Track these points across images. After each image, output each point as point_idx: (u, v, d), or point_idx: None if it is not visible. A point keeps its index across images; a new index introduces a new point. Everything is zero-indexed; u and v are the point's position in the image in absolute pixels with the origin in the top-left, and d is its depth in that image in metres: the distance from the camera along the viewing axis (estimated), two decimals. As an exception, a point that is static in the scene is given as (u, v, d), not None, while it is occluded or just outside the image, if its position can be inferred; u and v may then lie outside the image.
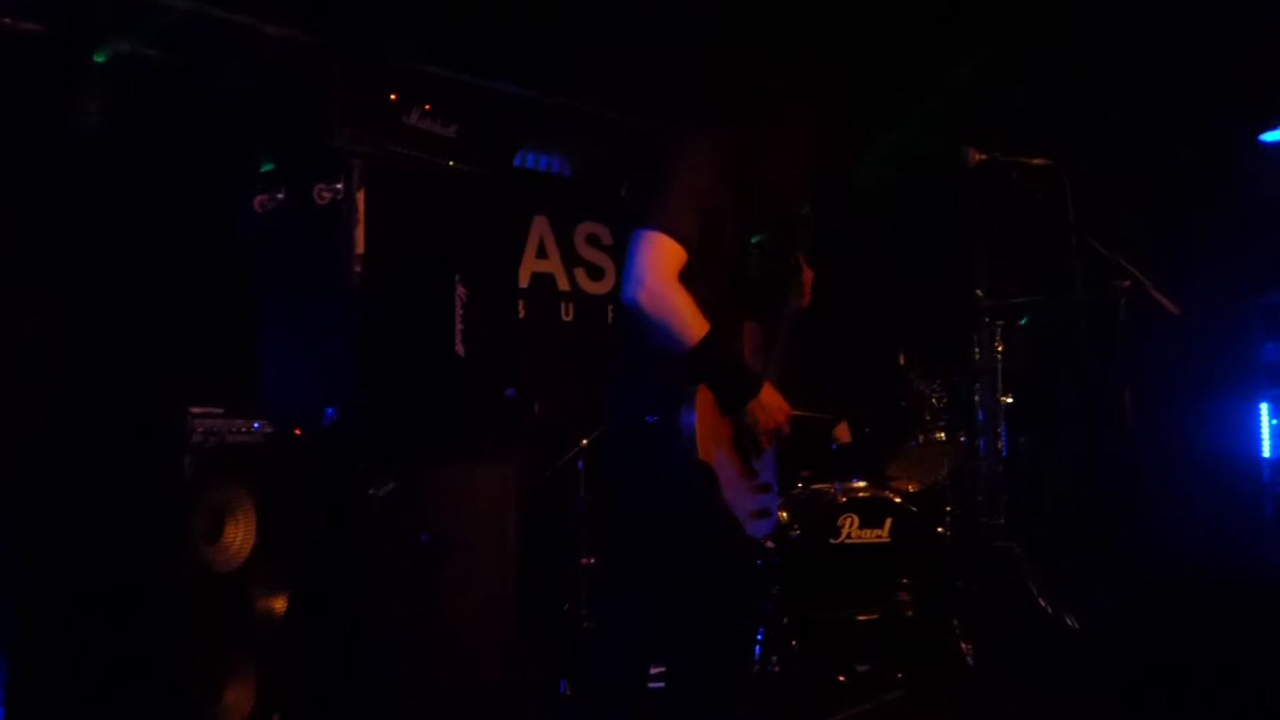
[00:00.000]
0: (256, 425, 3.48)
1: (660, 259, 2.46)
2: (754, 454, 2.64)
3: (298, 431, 3.63)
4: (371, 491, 3.72)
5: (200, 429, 3.30)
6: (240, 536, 3.39)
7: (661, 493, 2.57)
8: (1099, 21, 5.16)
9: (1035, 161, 3.44)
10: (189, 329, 4.06)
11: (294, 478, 3.59)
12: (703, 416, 2.46)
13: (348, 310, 3.85)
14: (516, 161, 5.75)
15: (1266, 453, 5.89)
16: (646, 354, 2.56)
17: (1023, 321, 5.09)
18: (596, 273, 6.23)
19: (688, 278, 2.51)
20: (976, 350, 5.11)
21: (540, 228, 6.00)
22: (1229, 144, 6.05)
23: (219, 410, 3.37)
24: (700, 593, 2.61)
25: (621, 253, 2.54)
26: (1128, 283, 3.36)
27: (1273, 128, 5.97)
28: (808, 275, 2.96)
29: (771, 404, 2.60)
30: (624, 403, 2.68)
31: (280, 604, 3.47)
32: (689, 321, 2.46)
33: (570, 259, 6.11)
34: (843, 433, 4.96)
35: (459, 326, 4.22)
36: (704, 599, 2.62)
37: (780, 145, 2.73)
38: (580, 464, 5.16)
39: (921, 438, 4.90)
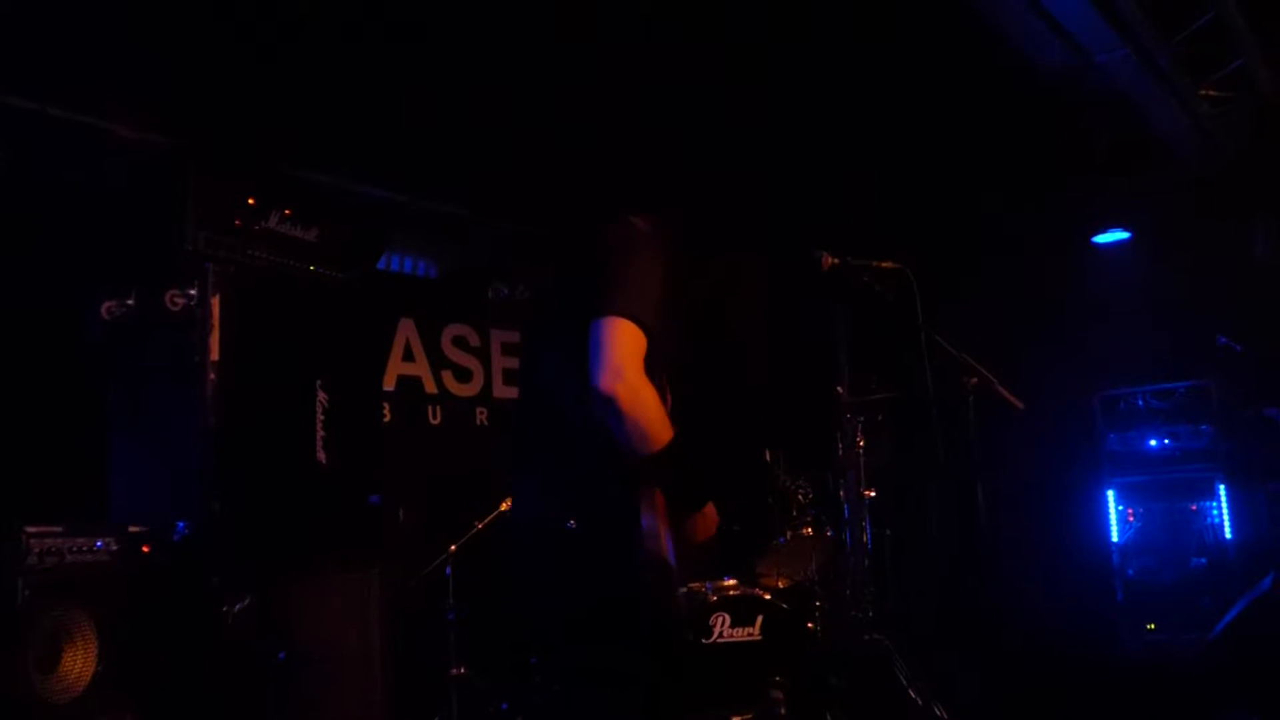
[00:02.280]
0: (100, 543, 3.31)
1: (634, 348, 2.30)
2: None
3: (146, 548, 3.46)
4: (225, 609, 3.56)
5: (37, 549, 3.12)
6: (80, 664, 3.19)
7: (607, 602, 2.44)
8: (943, 134, 5.46)
9: (885, 265, 3.57)
10: (28, 441, 3.86)
11: (141, 597, 3.41)
12: (659, 520, 2.39)
13: (201, 419, 3.73)
14: (382, 264, 5.71)
15: (1115, 538, 6.16)
16: (565, 453, 2.46)
17: (880, 417, 5.24)
18: (464, 375, 6.18)
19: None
20: (840, 446, 5.22)
21: (407, 330, 5.94)
22: (1066, 247, 6.45)
23: (58, 529, 3.20)
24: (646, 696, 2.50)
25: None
26: (975, 380, 3.48)
27: (1103, 231, 6.40)
28: (668, 400, 2.93)
29: (712, 516, 2.57)
30: (538, 508, 2.55)
31: (123, 735, 3.27)
32: (662, 420, 2.33)
33: (437, 361, 6.06)
34: (711, 531, 4.99)
35: (320, 433, 4.13)
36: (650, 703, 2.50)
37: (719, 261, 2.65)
38: (449, 570, 5.05)
39: (789, 534, 4.96)
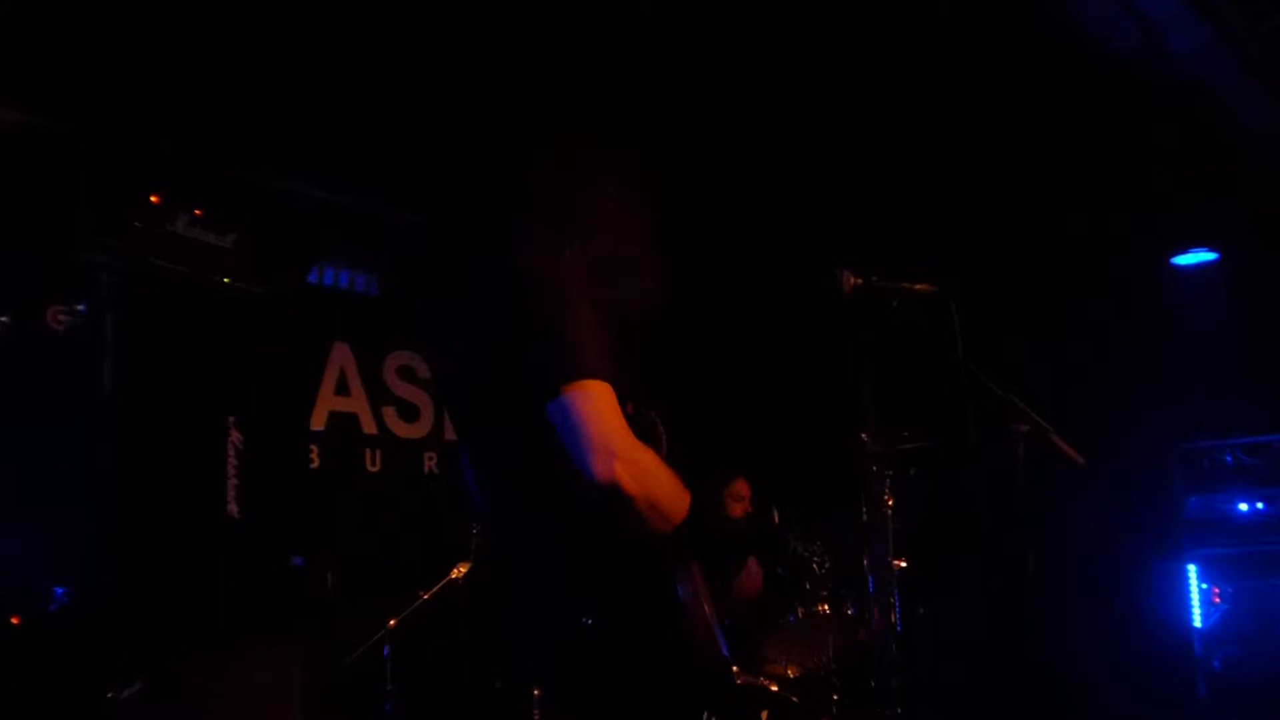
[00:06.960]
0: (-42, 613, 3.31)
1: (610, 410, 2.29)
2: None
3: (15, 619, 3.46)
4: (111, 695, 3.56)
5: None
6: (-71, 759, 3.18)
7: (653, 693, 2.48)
8: (989, 136, 5.52)
9: (919, 288, 3.59)
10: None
11: (7, 681, 3.41)
12: (700, 590, 2.44)
13: (89, 463, 3.74)
14: (312, 277, 5.73)
15: (1197, 622, 6.16)
16: (559, 541, 2.47)
17: (913, 471, 5.26)
18: (410, 413, 6.19)
19: None
20: (864, 506, 5.23)
21: (341, 357, 5.96)
22: (1139, 270, 6.49)
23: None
24: None
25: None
26: (1026, 428, 3.50)
27: (1185, 251, 6.44)
28: (664, 440, 2.95)
29: (756, 570, 2.63)
30: (541, 607, 2.57)
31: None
32: (675, 486, 2.38)
33: (378, 396, 6.08)
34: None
35: (232, 481, 4.15)
36: None
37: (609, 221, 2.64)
38: (386, 650, 5.04)
39: (801, 611, 4.96)
